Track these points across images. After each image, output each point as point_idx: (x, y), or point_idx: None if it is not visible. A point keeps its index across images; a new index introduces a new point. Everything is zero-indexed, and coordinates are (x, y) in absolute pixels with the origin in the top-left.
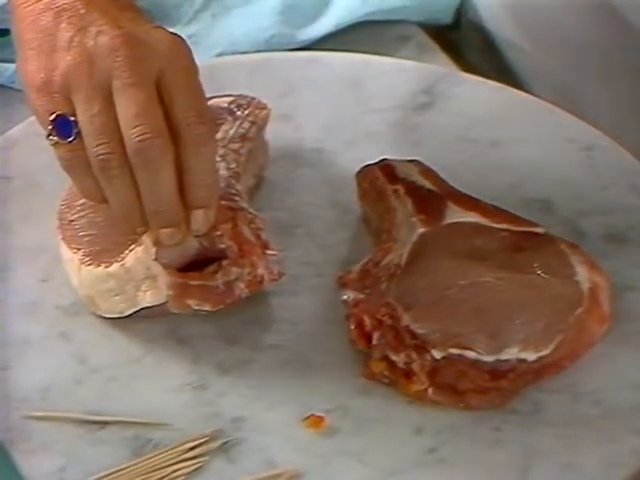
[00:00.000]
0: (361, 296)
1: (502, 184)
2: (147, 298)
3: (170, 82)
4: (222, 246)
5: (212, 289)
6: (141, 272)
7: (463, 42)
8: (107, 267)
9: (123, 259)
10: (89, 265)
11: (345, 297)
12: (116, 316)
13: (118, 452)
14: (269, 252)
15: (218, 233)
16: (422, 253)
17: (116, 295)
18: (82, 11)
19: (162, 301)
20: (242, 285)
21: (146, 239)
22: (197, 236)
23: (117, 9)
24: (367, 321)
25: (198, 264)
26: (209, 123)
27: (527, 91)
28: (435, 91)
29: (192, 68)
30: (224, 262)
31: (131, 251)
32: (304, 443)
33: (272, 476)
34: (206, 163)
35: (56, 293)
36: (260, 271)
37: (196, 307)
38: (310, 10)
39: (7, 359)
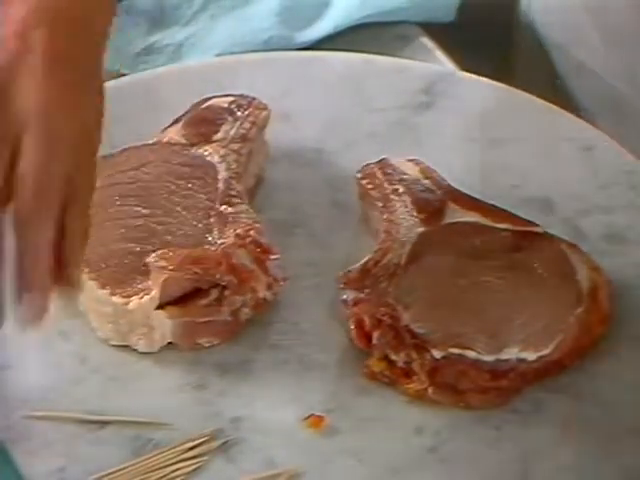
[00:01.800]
0: (361, 296)
1: (502, 184)
2: (139, 343)
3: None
4: (223, 283)
5: (220, 323)
6: (140, 318)
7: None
8: (111, 294)
9: (128, 297)
10: (93, 280)
11: (345, 297)
12: (103, 337)
13: (118, 452)
14: (272, 257)
15: (217, 276)
16: (422, 252)
17: (109, 323)
18: None
19: (153, 351)
20: (247, 310)
21: (154, 290)
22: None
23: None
24: (367, 321)
25: (194, 292)
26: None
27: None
28: (435, 91)
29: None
30: (226, 292)
31: (137, 295)
32: (304, 443)
33: (272, 476)
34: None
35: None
36: (261, 294)
37: (207, 344)
38: (309, 12)
39: (7, 359)
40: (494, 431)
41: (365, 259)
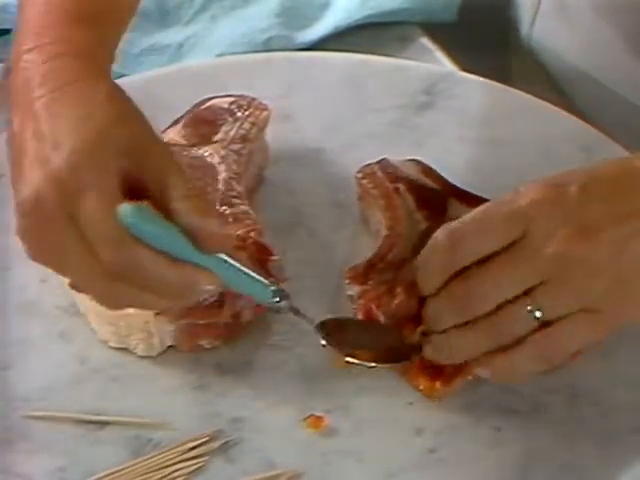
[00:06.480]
0: (366, 288)
1: (502, 184)
2: (137, 347)
3: None
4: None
5: (220, 325)
6: (139, 323)
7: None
8: None
9: None
10: None
11: (350, 292)
12: (103, 338)
13: (118, 452)
14: (272, 258)
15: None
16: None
17: (109, 325)
18: None
19: (152, 355)
20: (247, 312)
21: None
22: None
23: None
24: (374, 307)
25: None
26: None
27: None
28: (435, 91)
29: None
30: (227, 295)
31: None
32: (304, 443)
33: (272, 476)
34: None
35: (56, 293)
36: None
37: (208, 346)
38: (309, 12)
39: (7, 359)
40: (494, 431)
41: (370, 255)
